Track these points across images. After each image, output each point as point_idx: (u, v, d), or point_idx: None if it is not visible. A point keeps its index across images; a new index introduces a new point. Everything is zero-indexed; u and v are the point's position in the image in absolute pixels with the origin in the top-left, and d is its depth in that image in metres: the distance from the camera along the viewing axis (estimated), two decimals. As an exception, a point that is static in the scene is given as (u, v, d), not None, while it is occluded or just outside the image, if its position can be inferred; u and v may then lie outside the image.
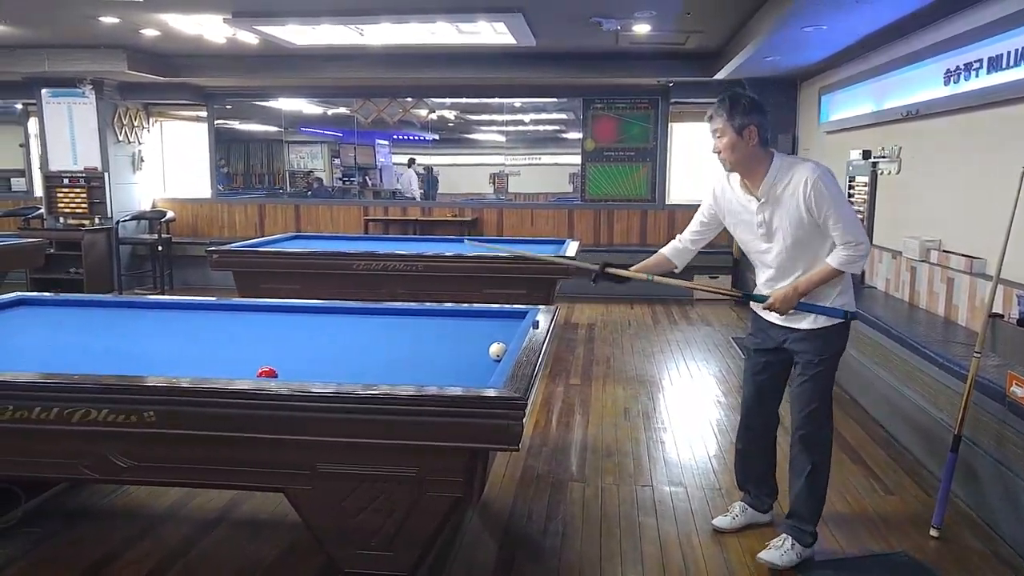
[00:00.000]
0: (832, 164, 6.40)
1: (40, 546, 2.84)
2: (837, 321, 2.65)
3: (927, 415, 3.60)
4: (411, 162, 9.34)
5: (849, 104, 5.96)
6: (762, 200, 2.62)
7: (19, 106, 9.14)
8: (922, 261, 4.51)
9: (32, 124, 9.03)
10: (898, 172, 5.04)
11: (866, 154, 5.47)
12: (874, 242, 5.39)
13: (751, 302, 2.87)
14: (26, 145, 9.41)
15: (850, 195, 5.83)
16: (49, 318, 3.51)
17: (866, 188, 5.53)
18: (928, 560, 2.78)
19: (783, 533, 2.77)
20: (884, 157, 5.22)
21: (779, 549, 2.72)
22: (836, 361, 2.73)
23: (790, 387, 2.86)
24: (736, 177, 2.71)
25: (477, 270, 5.53)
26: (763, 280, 2.80)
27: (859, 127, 5.75)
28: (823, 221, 2.54)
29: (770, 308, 2.67)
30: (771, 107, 8.35)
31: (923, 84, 4.53)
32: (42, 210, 8.41)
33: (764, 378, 2.90)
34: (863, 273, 5.53)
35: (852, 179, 5.82)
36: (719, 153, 2.63)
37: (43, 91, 8.08)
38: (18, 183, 9.59)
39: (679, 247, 2.92)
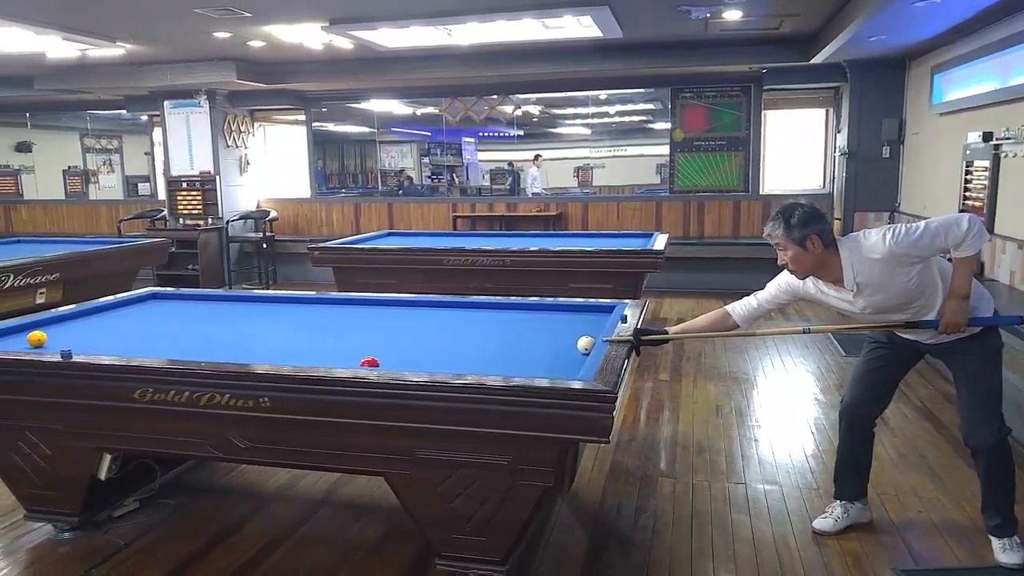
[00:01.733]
0: (945, 148, 6.13)
1: (173, 516, 3.14)
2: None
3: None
4: (536, 158, 9.41)
5: (967, 83, 5.56)
6: (855, 291, 2.58)
7: (144, 118, 10.03)
8: (1057, 251, 4.17)
9: (156, 134, 9.83)
10: (1028, 154, 4.68)
11: (987, 136, 5.11)
12: (996, 231, 5.04)
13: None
14: (151, 153, 10.33)
15: (967, 181, 5.47)
16: (176, 310, 3.82)
17: (986, 173, 5.16)
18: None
19: (998, 536, 2.71)
20: (1009, 139, 4.84)
21: (1015, 549, 2.67)
22: (1000, 357, 2.66)
23: (958, 398, 2.77)
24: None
25: (563, 264, 5.56)
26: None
27: (979, 107, 5.37)
28: (931, 248, 2.48)
29: (948, 331, 2.57)
30: (876, 90, 7.94)
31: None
32: (165, 212, 9.11)
33: (879, 367, 2.85)
34: (981, 266, 5.19)
35: (969, 164, 5.45)
36: (786, 265, 2.61)
37: (165, 103, 8.77)
38: (143, 188, 10.52)
39: (755, 313, 2.79)
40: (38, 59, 7.16)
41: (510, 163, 9.52)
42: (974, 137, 5.33)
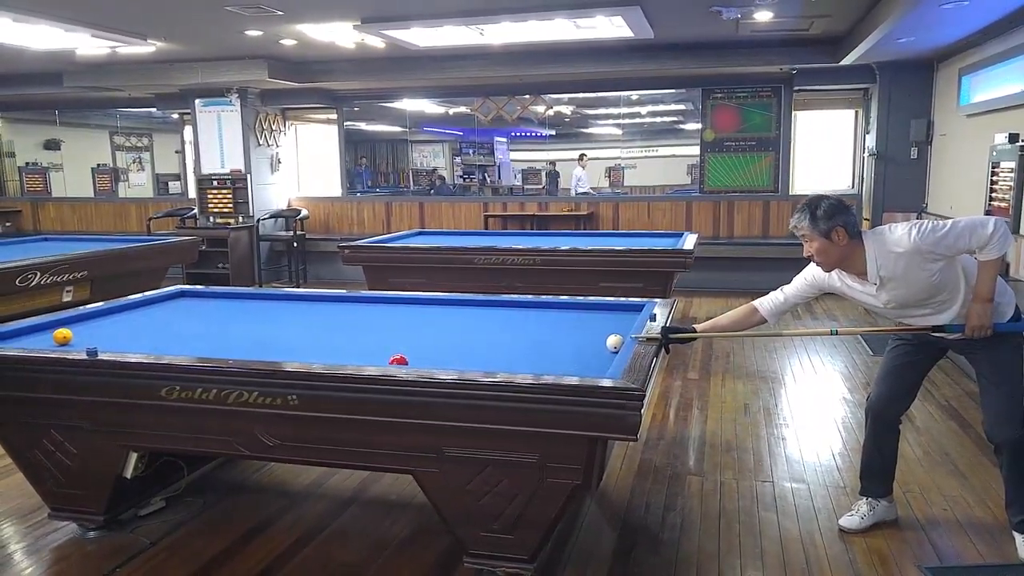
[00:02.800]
0: (972, 149, 6.07)
1: (201, 514, 3.15)
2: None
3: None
4: (581, 157, 9.39)
5: (994, 84, 5.52)
6: (878, 284, 2.59)
7: (175, 116, 10.13)
8: (1084, 252, 4.11)
9: (187, 132, 9.94)
10: (1054, 156, 4.62)
11: (1013, 137, 5.09)
12: (1022, 232, 4.98)
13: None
14: (181, 151, 10.42)
15: (993, 182, 5.42)
16: (205, 308, 3.83)
17: (1012, 174, 5.12)
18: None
19: (1022, 533, 2.70)
20: (1037, 140, 4.80)
21: None
22: (1020, 353, 2.65)
23: (981, 395, 2.77)
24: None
25: (593, 263, 5.57)
26: (909, 321, 2.74)
27: (1006, 108, 5.33)
28: (955, 248, 2.48)
29: (974, 334, 2.56)
30: (904, 91, 7.91)
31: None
32: (195, 210, 9.22)
33: (904, 364, 2.85)
34: (1007, 267, 5.13)
35: (996, 164, 5.41)
36: (811, 257, 2.63)
37: (196, 101, 8.86)
38: (174, 186, 10.67)
39: (782, 308, 2.81)
40: (67, 56, 7.20)
41: (552, 162, 9.52)
42: (1000, 138, 5.31)
